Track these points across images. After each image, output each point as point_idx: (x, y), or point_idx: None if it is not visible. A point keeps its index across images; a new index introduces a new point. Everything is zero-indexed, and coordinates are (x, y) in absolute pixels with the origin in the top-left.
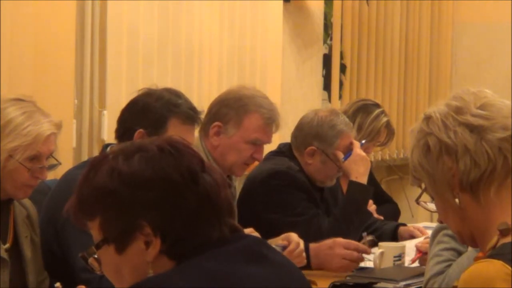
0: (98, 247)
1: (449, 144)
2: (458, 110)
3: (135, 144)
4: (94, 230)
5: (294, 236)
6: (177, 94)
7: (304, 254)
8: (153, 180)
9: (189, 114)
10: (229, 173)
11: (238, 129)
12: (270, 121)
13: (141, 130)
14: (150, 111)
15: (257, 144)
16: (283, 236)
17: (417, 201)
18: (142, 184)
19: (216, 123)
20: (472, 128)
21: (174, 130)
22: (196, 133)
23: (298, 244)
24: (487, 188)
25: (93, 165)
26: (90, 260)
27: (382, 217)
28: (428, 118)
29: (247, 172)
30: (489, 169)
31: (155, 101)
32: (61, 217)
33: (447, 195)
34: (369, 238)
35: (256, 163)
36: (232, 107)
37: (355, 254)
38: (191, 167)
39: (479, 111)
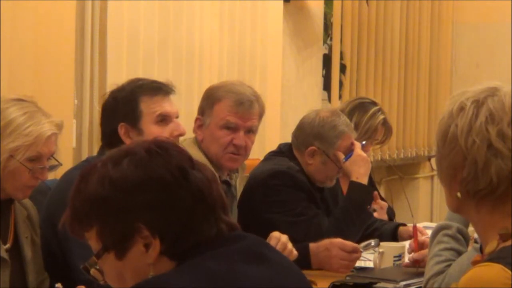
0: (98, 256)
1: (463, 148)
2: (491, 119)
3: (122, 149)
4: (92, 240)
5: (274, 233)
6: (138, 79)
7: (290, 245)
8: (144, 182)
9: (153, 86)
10: (220, 167)
11: (211, 117)
12: (238, 103)
13: (122, 124)
14: (120, 103)
15: (232, 129)
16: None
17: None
18: (134, 187)
19: (197, 116)
20: (490, 146)
21: (148, 107)
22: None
23: (277, 239)
24: (483, 199)
25: (83, 175)
26: (92, 271)
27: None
28: (462, 108)
29: (247, 173)
30: (487, 190)
31: (119, 92)
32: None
33: (449, 186)
34: (374, 243)
35: (256, 162)
36: (206, 98)
37: (352, 256)
38: (181, 165)
39: (509, 132)
